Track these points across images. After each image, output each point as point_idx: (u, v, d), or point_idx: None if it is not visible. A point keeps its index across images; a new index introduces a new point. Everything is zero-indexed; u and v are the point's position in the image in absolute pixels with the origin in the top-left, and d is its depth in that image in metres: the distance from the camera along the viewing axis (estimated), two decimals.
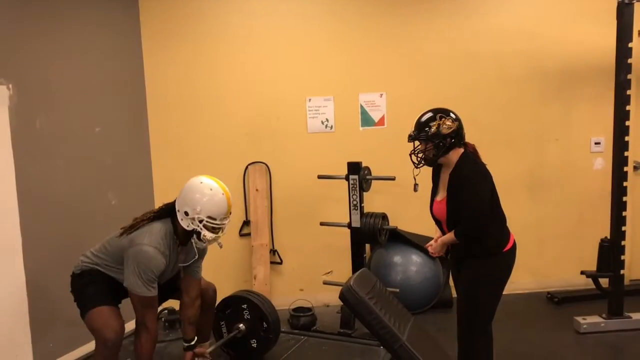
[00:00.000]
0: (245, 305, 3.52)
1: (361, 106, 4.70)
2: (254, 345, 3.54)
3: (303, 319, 4.24)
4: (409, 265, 4.47)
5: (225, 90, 4.67)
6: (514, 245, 3.02)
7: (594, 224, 4.51)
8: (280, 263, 4.80)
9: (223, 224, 2.75)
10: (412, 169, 3.04)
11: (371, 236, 4.07)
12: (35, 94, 3.54)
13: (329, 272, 4.68)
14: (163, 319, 4.27)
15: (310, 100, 4.67)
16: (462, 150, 2.97)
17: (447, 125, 2.89)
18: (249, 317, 3.52)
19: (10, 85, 3.36)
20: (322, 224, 4.39)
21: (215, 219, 2.70)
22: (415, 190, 3.22)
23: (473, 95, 4.71)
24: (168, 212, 2.81)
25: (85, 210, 3.88)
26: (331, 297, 4.40)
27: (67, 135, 3.77)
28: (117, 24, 4.32)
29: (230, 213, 2.78)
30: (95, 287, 2.82)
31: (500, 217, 3.01)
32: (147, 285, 2.67)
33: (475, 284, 2.96)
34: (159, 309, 4.35)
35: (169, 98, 4.63)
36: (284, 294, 4.69)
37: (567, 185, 4.83)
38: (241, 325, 3.53)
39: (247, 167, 4.71)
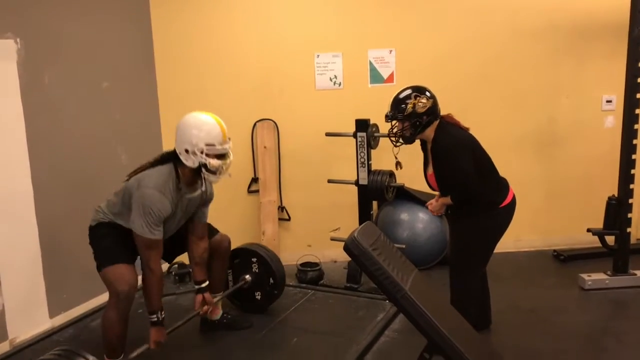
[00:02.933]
0: (255, 259, 3.62)
1: (370, 63, 4.65)
2: (258, 297, 3.66)
3: (310, 273, 4.31)
4: (416, 222, 4.50)
5: (233, 46, 4.63)
6: (513, 201, 3.09)
7: (602, 182, 4.49)
8: (289, 220, 4.85)
9: (225, 149, 2.81)
10: (392, 148, 3.17)
11: (378, 193, 4.10)
12: (43, 48, 3.54)
13: (336, 229, 4.72)
14: (173, 272, 4.39)
15: (318, 56, 4.62)
16: (437, 122, 3.03)
17: (422, 104, 2.97)
18: (256, 270, 3.62)
19: (18, 39, 3.36)
20: (329, 181, 4.42)
21: (214, 145, 2.77)
22: (396, 169, 3.45)
23: (484, 50, 4.64)
24: (169, 158, 2.89)
25: (95, 164, 3.93)
26: (338, 253, 4.45)
27: (76, 90, 3.79)
28: None
29: (229, 138, 2.84)
30: (110, 242, 2.89)
31: (492, 177, 3.07)
32: (151, 227, 2.74)
33: (468, 233, 3.09)
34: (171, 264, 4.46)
35: (177, 54, 4.61)
36: (292, 250, 4.76)
37: (577, 143, 4.79)
38: (248, 276, 3.64)
39: (255, 125, 4.71)
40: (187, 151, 2.77)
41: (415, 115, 2.97)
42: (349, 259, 2.45)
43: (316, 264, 4.41)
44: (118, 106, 4.15)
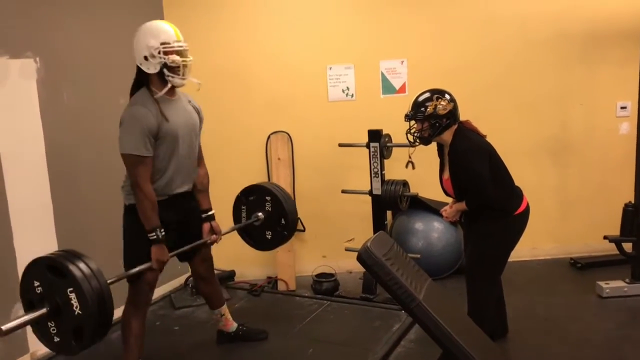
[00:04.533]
0: (269, 198, 3.61)
1: (382, 74, 4.68)
2: (269, 237, 3.66)
3: (326, 284, 4.32)
4: (431, 232, 4.49)
5: (247, 59, 4.69)
6: (527, 209, 3.10)
7: (618, 189, 4.46)
8: (303, 230, 4.86)
9: (181, 46, 2.83)
10: (408, 148, 3.21)
11: (392, 203, 4.12)
12: (62, 67, 3.62)
13: (351, 239, 4.73)
14: (190, 285, 4.41)
15: (331, 68, 4.67)
16: (455, 126, 3.05)
17: (443, 106, 3.00)
18: (269, 209, 3.61)
19: (38, 59, 3.44)
20: (343, 191, 4.44)
21: (169, 42, 2.79)
22: (406, 167, 3.47)
23: (496, 59, 4.65)
24: (138, 83, 2.92)
25: (112, 178, 3.97)
26: (354, 264, 4.39)
27: (93, 107, 3.85)
28: None
29: (183, 39, 2.87)
30: (140, 245, 2.85)
31: (506, 184, 3.08)
32: (138, 143, 2.72)
33: (483, 241, 3.09)
34: (186, 275, 4.50)
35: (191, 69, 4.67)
36: (307, 261, 4.78)
37: (592, 150, 4.77)
38: (260, 214, 3.63)
39: (269, 137, 4.76)
40: (146, 58, 2.79)
41: (435, 117, 2.99)
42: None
43: (331, 275, 4.42)
44: None
